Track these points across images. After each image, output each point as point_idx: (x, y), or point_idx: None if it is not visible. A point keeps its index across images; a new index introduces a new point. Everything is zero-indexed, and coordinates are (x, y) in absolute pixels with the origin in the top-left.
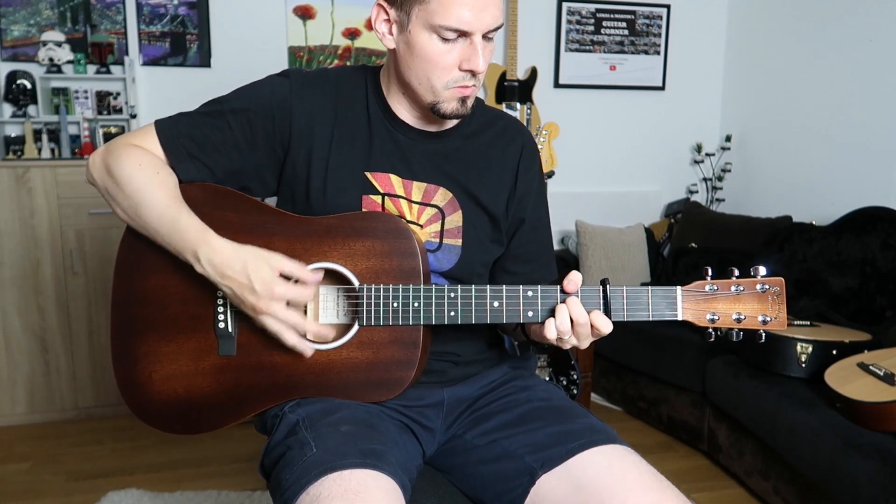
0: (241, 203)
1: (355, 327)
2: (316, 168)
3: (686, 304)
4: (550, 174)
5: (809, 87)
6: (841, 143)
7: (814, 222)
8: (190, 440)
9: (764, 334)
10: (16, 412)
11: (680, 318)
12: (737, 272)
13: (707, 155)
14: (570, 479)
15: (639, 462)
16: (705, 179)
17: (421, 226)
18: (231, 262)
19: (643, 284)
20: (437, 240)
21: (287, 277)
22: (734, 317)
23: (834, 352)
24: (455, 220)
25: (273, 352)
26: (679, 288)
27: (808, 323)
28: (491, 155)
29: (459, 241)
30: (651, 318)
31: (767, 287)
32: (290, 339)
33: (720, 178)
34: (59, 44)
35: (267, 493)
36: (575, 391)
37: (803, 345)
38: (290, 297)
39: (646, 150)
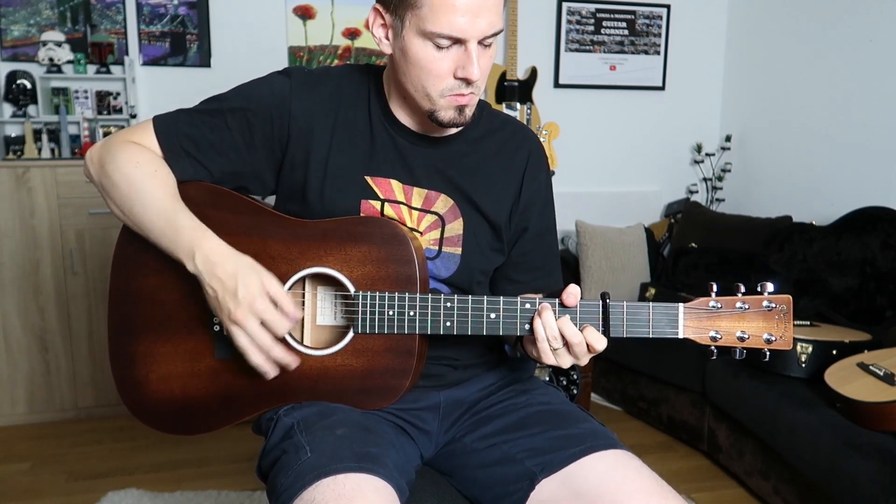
0: (238, 204)
1: (350, 334)
2: (314, 170)
3: (688, 322)
4: (551, 174)
5: (809, 87)
6: (841, 143)
7: (814, 222)
8: (190, 440)
9: (768, 353)
10: (16, 412)
11: (681, 336)
12: (743, 288)
13: (707, 155)
14: (570, 485)
15: (640, 467)
16: (705, 179)
17: (421, 232)
18: (225, 263)
19: (643, 285)
20: (437, 247)
21: (273, 302)
22: (738, 335)
23: (834, 352)
24: (455, 227)
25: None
26: (681, 305)
27: (808, 323)
28: (496, 162)
29: (459, 250)
30: (651, 336)
31: (774, 305)
32: (256, 358)
33: (720, 178)
34: (59, 44)
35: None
36: (575, 391)
37: (803, 345)
38: (266, 318)
39: (646, 150)
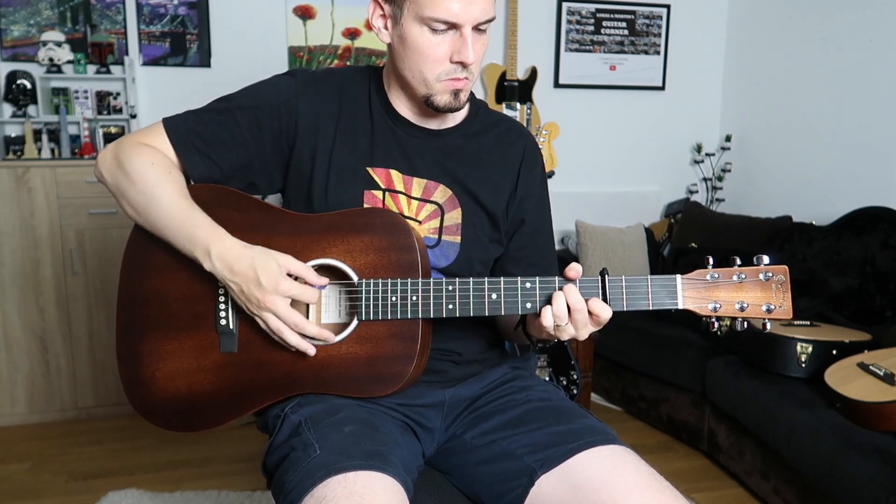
0: (244, 202)
1: (354, 322)
2: (320, 164)
3: (687, 293)
4: (550, 174)
5: (809, 87)
6: (841, 143)
7: (814, 222)
8: (190, 440)
9: (768, 324)
10: (16, 412)
11: (681, 306)
12: (739, 261)
13: (707, 155)
14: (569, 480)
15: (638, 463)
16: (705, 179)
17: (420, 222)
18: (240, 259)
19: None
20: (436, 236)
21: (294, 278)
22: (737, 305)
23: (834, 352)
24: (454, 217)
25: (273, 348)
26: (679, 276)
27: (808, 323)
28: (493, 155)
29: (458, 238)
30: (651, 308)
31: (771, 275)
32: (291, 338)
33: (720, 178)
34: (59, 44)
35: (267, 493)
36: (575, 391)
37: (803, 345)
38: (294, 294)
39: (646, 150)
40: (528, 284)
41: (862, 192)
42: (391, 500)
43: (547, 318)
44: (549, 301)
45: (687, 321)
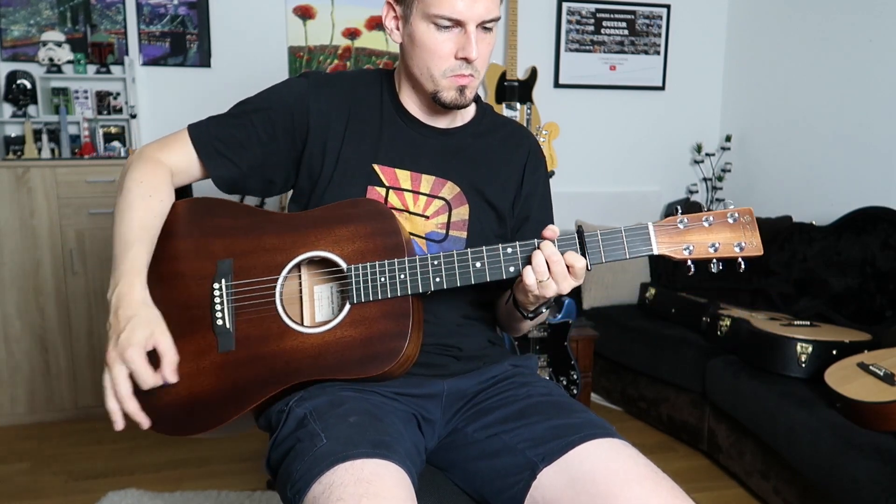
0: (234, 209)
1: (347, 307)
2: (329, 160)
3: (660, 239)
4: (551, 174)
5: (809, 87)
6: (841, 142)
7: (814, 222)
8: (190, 440)
9: (743, 263)
10: (16, 412)
11: (656, 252)
12: (706, 208)
13: (707, 155)
14: (567, 471)
15: (635, 455)
16: (705, 179)
17: (427, 217)
18: (128, 308)
19: (643, 285)
20: (444, 231)
21: (156, 357)
22: (710, 247)
23: (834, 352)
24: (461, 213)
25: (270, 342)
26: (650, 223)
27: (808, 323)
28: (499, 154)
29: (465, 234)
30: (628, 257)
31: (738, 216)
32: (110, 403)
33: (720, 178)
34: (59, 44)
35: (267, 493)
36: (575, 391)
37: (803, 345)
38: (133, 368)
39: (646, 150)
40: (509, 250)
41: (862, 192)
42: (397, 486)
43: (529, 277)
44: (529, 262)
45: (687, 321)
